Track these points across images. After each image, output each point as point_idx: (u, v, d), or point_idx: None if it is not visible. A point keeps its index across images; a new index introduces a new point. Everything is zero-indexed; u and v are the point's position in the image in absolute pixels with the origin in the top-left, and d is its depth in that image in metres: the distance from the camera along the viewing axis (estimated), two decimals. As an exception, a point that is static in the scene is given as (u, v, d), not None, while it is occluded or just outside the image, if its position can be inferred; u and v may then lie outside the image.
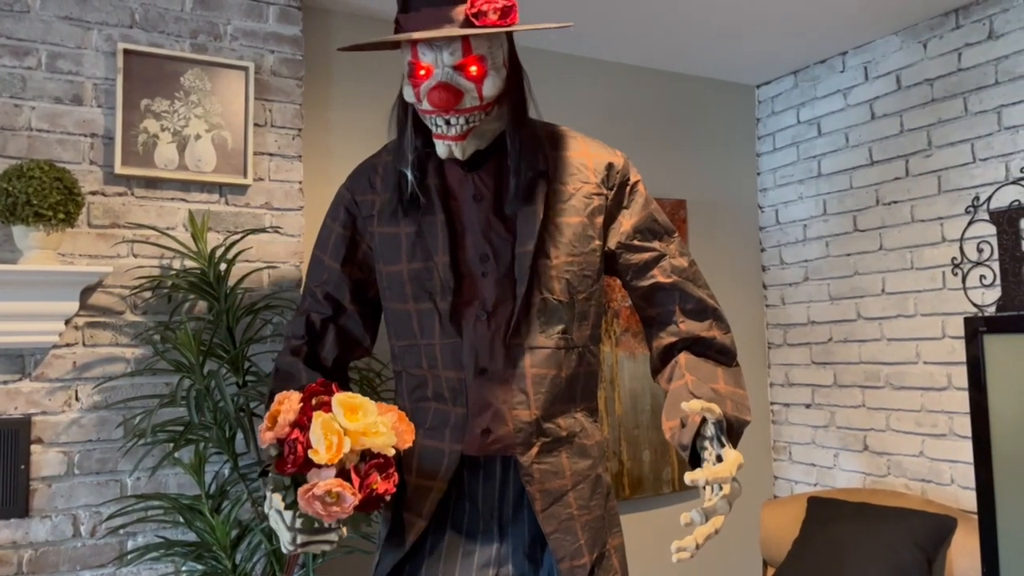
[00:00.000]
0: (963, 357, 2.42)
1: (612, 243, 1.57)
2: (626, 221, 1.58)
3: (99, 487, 1.94)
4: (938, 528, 2.11)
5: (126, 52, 2.02)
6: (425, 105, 1.42)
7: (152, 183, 2.05)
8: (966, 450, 2.41)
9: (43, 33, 1.97)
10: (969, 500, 2.37)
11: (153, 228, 2.01)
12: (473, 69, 1.39)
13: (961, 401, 2.43)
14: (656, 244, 1.59)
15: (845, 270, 2.83)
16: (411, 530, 1.52)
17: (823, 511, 2.27)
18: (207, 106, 2.10)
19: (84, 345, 1.96)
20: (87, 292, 1.96)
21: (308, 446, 1.29)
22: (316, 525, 1.32)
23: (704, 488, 1.31)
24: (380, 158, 1.62)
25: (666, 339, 1.60)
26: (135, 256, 2.02)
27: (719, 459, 1.35)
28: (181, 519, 1.89)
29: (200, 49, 2.12)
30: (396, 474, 1.36)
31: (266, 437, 1.32)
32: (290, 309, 2.07)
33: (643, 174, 2.90)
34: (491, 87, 1.41)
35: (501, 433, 1.46)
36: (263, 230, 2.08)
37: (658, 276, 1.59)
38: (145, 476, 1.96)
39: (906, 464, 2.59)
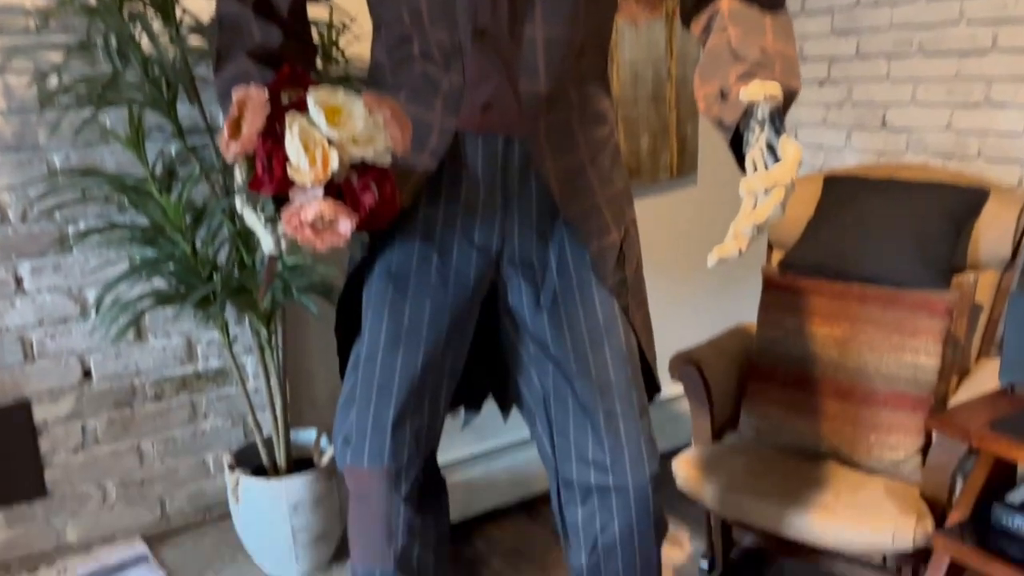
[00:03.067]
0: (1017, 12, 2.11)
1: None
2: None
3: (21, 166, 1.65)
4: (969, 199, 1.94)
5: None
6: None
7: None
8: (1001, 119, 2.18)
9: None
10: (996, 174, 2.19)
11: None
12: None
13: (1007, 64, 2.16)
14: None
15: (885, -84, 2.40)
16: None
17: (841, 189, 2.08)
18: None
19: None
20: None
21: (286, 160, 1.00)
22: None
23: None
24: None
25: None
26: None
27: (771, 150, 1.11)
28: (127, 202, 1.62)
29: None
30: (395, 185, 1.10)
31: (230, 150, 1.02)
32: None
33: None
34: None
35: (505, 108, 1.20)
36: None
37: None
38: (75, 154, 1.66)
39: (929, 139, 2.37)
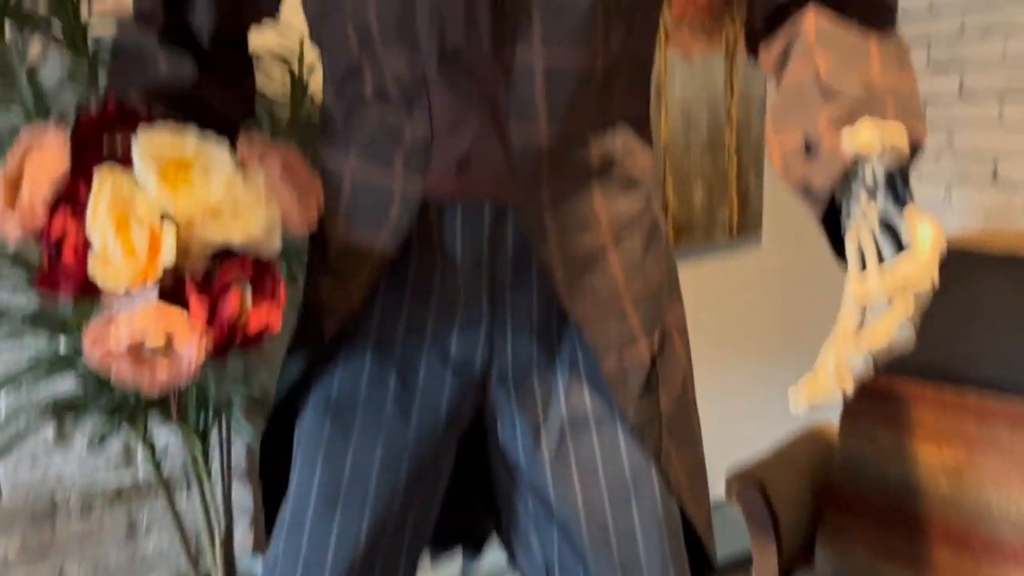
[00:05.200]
0: None
1: None
2: None
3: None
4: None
5: None
6: None
7: None
8: None
9: None
10: None
11: None
12: None
13: None
14: None
15: (999, -75, 1.98)
16: (334, 314, 0.94)
17: (949, 264, 1.64)
18: None
19: None
20: None
21: (87, 247, 0.67)
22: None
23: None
24: None
25: None
26: None
27: (889, 231, 0.76)
28: (27, 281, 1.28)
29: None
30: (282, 285, 0.74)
31: (7, 227, 0.68)
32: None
33: None
34: None
35: (490, 166, 0.85)
36: None
37: None
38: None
39: (1055, 199, 1.93)
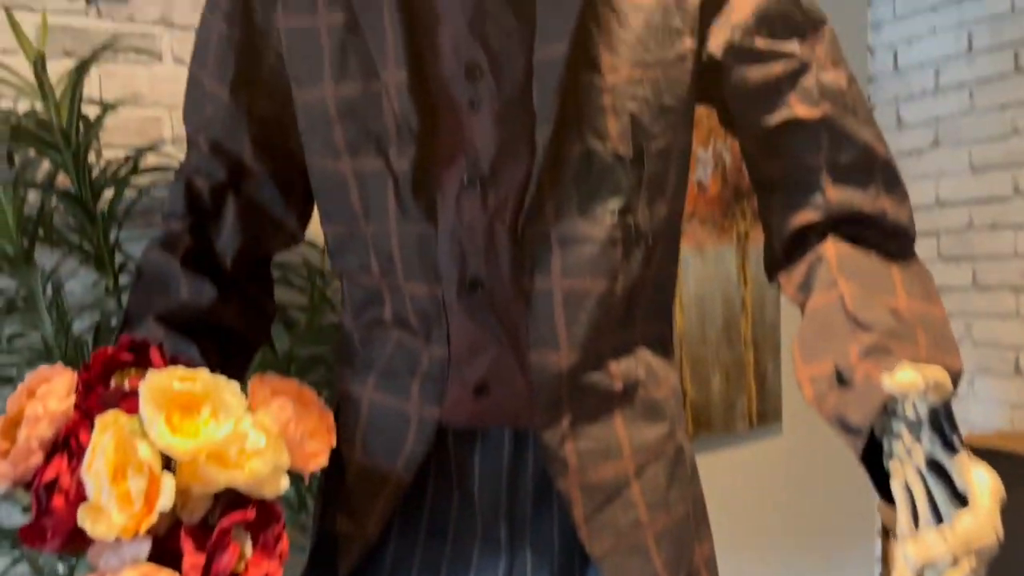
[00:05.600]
0: None
1: (718, 44, 0.91)
2: (743, 2, 0.90)
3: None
4: None
5: None
6: None
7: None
8: None
9: None
10: None
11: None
12: None
13: None
14: (794, 45, 0.93)
15: (997, 128, 2.05)
16: (349, 549, 0.90)
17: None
18: None
19: None
20: None
21: (80, 498, 0.65)
22: None
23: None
24: None
25: (802, 215, 0.93)
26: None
27: (938, 471, 0.73)
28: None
29: None
30: (285, 539, 0.71)
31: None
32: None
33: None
34: None
35: (507, 393, 0.84)
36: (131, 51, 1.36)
37: (796, 105, 0.91)
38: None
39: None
